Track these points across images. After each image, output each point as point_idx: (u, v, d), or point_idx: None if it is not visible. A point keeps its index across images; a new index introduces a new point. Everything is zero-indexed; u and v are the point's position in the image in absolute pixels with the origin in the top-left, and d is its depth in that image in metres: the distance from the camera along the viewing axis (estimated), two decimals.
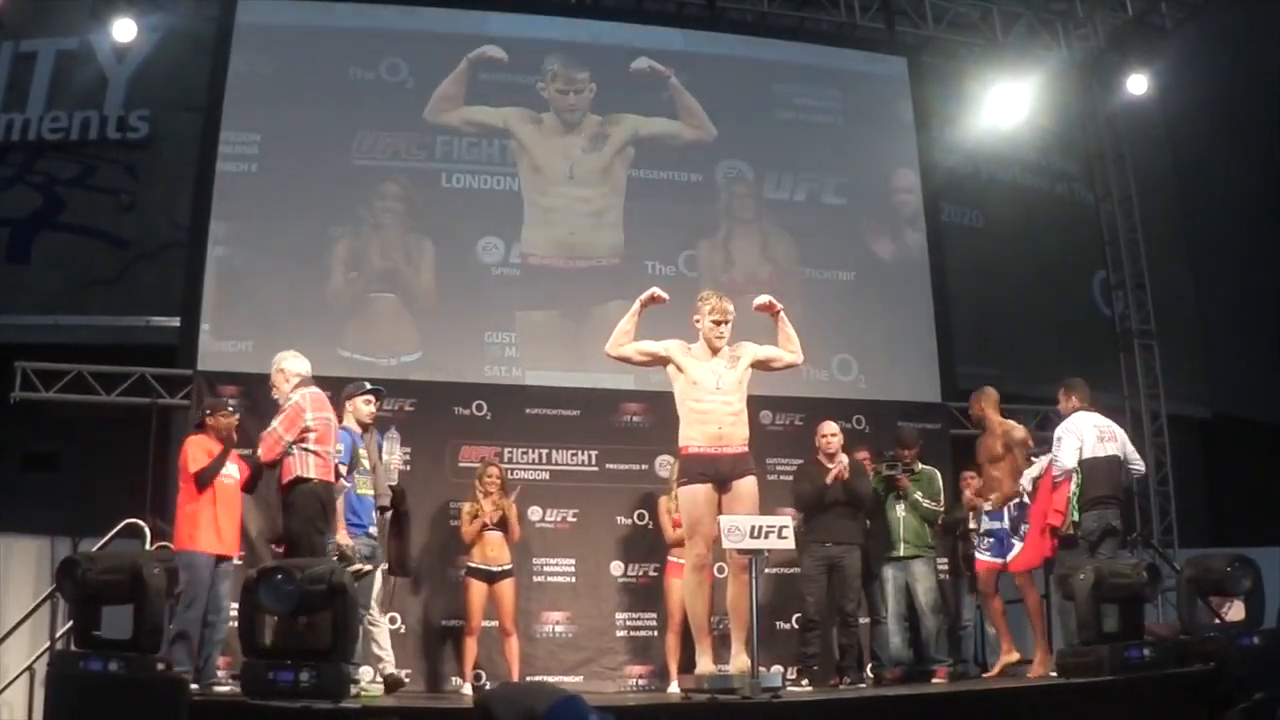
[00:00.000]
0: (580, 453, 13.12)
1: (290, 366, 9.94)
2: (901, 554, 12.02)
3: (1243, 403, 19.96)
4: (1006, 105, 15.16)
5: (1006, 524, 11.76)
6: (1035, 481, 11.40)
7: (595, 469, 13.18)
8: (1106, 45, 16.02)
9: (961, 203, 17.23)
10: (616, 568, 12.92)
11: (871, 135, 15.21)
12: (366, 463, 10.31)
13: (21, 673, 11.20)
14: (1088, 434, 11.08)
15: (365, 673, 10.46)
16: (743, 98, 14.95)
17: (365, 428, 10.46)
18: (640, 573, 12.79)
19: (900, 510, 12.08)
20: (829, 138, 15.12)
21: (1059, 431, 11.24)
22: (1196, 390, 18.99)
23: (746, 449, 9.43)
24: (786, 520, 9.30)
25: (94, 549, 10.50)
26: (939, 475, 12.41)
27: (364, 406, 10.46)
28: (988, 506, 11.89)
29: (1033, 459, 11.56)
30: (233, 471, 10.30)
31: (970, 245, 16.94)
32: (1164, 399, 15.92)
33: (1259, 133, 21.25)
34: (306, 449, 9.52)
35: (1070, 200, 18.35)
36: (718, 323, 9.46)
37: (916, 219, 14.91)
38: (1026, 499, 11.52)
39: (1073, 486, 10.93)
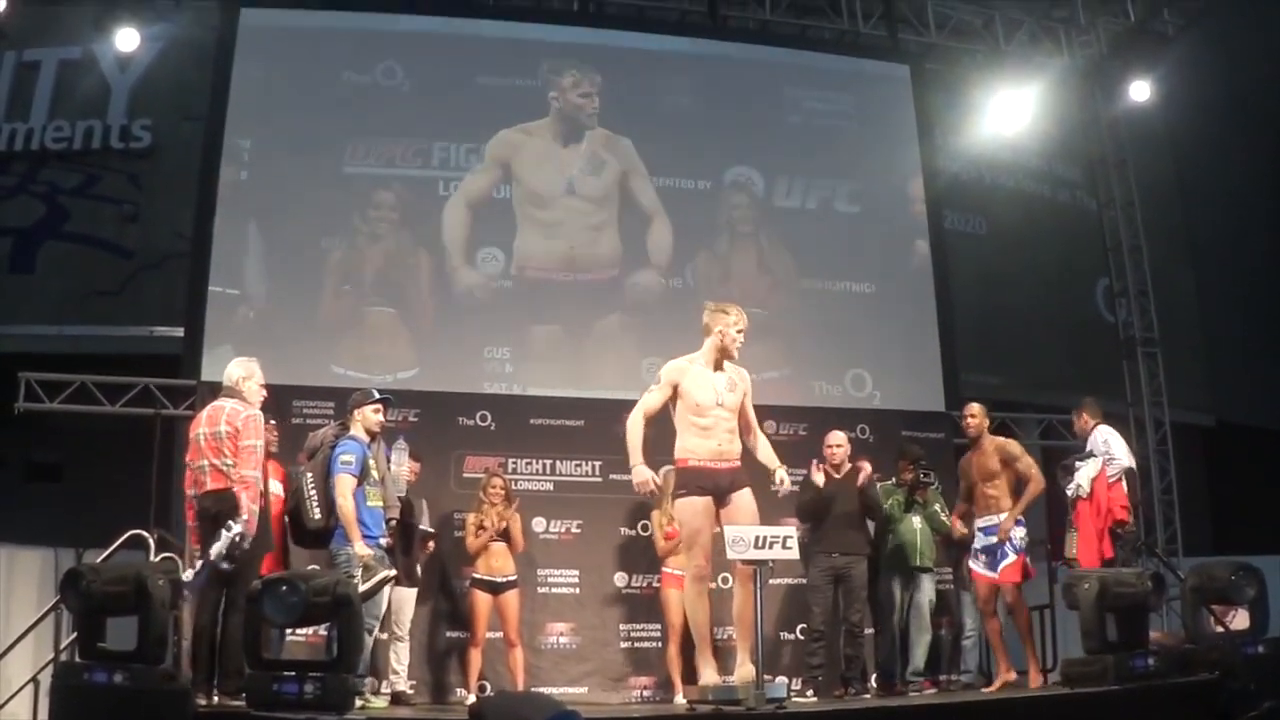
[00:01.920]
0: (584, 463, 12.99)
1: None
2: (918, 564, 12.00)
3: (1246, 410, 19.95)
4: (1009, 112, 15.19)
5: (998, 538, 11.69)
6: (1093, 481, 11.39)
7: (599, 479, 13.06)
8: (1108, 52, 16.06)
9: (964, 209, 17.23)
10: (620, 579, 12.86)
11: (882, 141, 15.16)
12: (376, 473, 10.27)
13: (26, 684, 11.14)
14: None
15: (369, 684, 10.51)
16: (753, 101, 14.93)
17: (373, 437, 10.40)
18: (644, 584, 12.68)
19: (917, 522, 12.05)
20: (840, 143, 15.05)
21: (1103, 434, 11.62)
22: (1200, 398, 18.98)
23: (740, 462, 9.64)
24: (790, 530, 9.37)
25: (98, 560, 10.47)
26: None
27: (372, 415, 10.32)
28: (989, 522, 11.77)
29: (1078, 463, 11.54)
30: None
31: (973, 252, 16.94)
32: (1167, 406, 15.92)
33: (1261, 139, 21.26)
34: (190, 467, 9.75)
35: (1073, 207, 18.37)
36: (741, 332, 9.75)
37: (921, 226, 14.89)
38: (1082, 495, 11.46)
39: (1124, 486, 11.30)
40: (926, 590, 11.96)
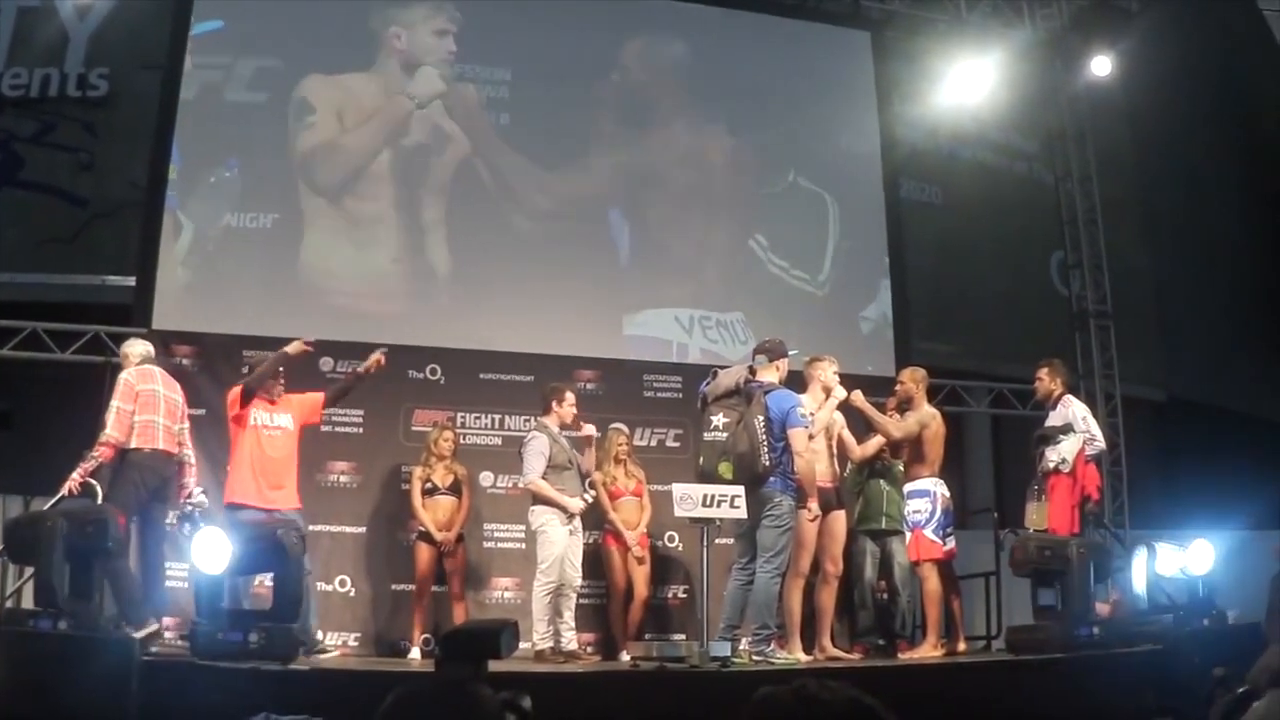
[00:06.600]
0: (533, 419, 12.74)
1: (131, 350, 10.66)
2: (883, 527, 12.05)
3: (1198, 386, 20.02)
4: (969, 82, 15.20)
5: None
6: (1074, 459, 11.48)
7: None
8: (1070, 25, 16.01)
9: (921, 179, 17.20)
10: None
11: (840, 108, 15.29)
12: None
13: None
14: None
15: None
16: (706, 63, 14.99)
17: None
18: (590, 540, 12.47)
19: (884, 484, 12.11)
20: (798, 108, 15.11)
21: (1080, 411, 11.71)
22: (1152, 372, 19.03)
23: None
24: (739, 490, 9.42)
25: (45, 507, 10.43)
26: None
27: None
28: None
29: (1061, 437, 11.58)
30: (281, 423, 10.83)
31: (928, 221, 16.93)
32: (1119, 380, 15.99)
33: (1221, 117, 21.30)
34: (136, 419, 10.12)
35: (1030, 179, 18.33)
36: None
37: (877, 193, 14.93)
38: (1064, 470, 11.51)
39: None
40: (899, 554, 11.93)
